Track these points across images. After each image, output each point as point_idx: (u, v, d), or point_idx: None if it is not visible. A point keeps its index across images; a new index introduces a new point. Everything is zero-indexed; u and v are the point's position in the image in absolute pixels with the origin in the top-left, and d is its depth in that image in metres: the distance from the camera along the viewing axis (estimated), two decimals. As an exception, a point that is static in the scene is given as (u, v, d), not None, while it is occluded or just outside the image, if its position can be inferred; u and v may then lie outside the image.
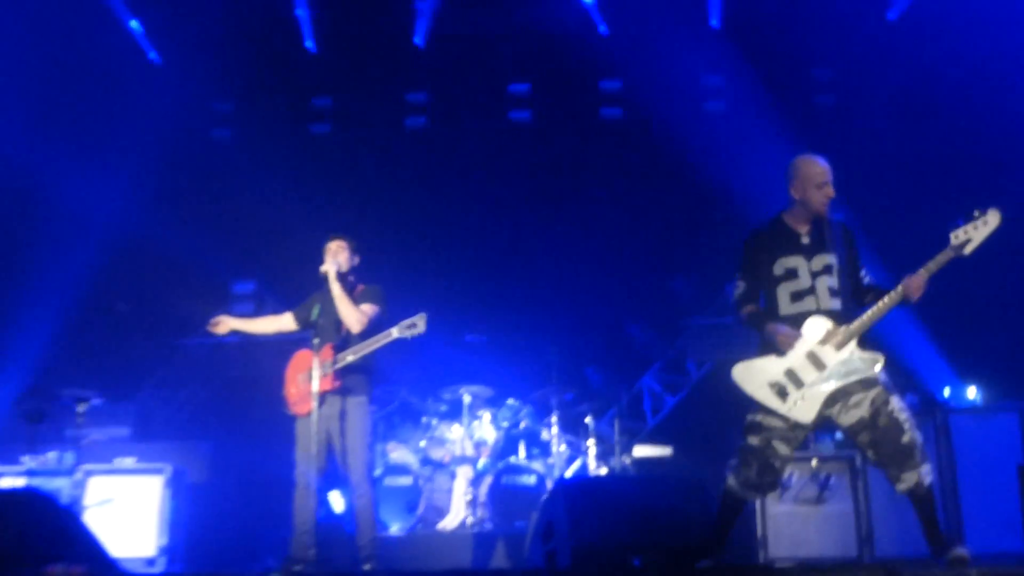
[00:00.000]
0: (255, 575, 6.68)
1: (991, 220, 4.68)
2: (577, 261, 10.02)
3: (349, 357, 5.95)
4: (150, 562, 6.96)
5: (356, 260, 6.36)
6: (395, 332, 5.89)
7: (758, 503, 6.89)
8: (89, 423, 6.90)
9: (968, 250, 4.70)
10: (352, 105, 10.56)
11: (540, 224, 10.14)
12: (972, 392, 7.37)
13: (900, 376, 8.38)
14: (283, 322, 6.53)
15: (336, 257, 6.23)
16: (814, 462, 6.95)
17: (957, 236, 4.71)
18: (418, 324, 5.87)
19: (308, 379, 5.99)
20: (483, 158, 10.35)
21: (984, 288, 8.68)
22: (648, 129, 10.07)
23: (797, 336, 4.77)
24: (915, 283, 4.68)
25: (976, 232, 4.67)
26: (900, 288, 4.70)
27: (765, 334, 4.84)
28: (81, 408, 6.76)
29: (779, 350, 4.79)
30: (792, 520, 6.88)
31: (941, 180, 9.10)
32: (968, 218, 4.71)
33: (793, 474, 6.90)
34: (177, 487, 7.31)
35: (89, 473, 7.18)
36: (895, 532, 6.76)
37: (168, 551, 7.06)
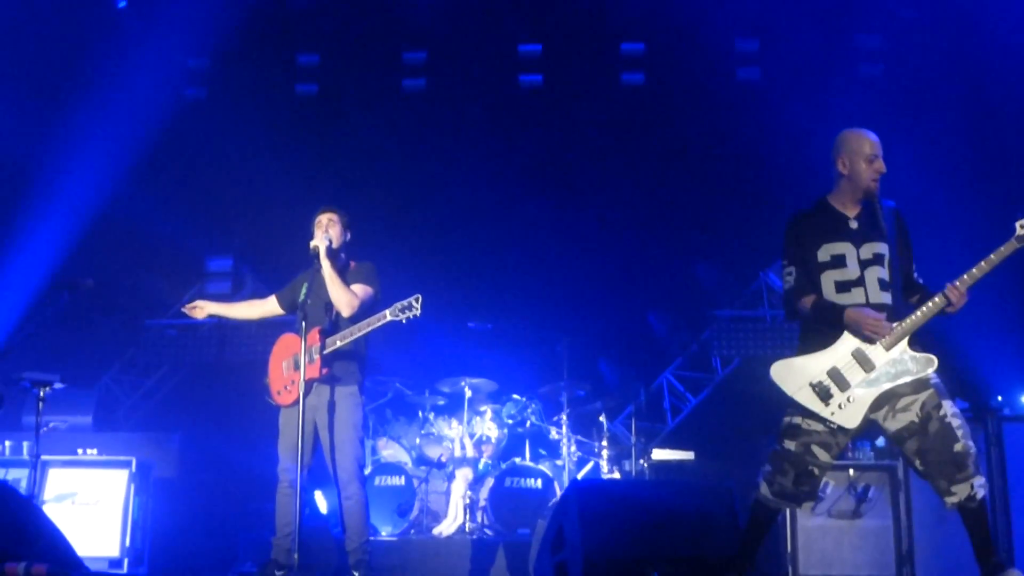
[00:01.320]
0: (231, 581, 6.74)
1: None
2: (592, 243, 10.05)
3: (339, 342, 5.98)
4: (115, 563, 7.03)
5: (348, 236, 6.38)
6: (389, 314, 5.90)
7: (788, 515, 6.96)
8: (49, 410, 6.94)
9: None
10: (343, 63, 10.53)
11: (552, 201, 10.15)
12: (1028, 399, 7.44)
13: (950, 380, 8.52)
14: (267, 306, 6.56)
15: (327, 232, 6.26)
16: (851, 472, 7.02)
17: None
18: (414, 306, 5.88)
19: (293, 366, 6.04)
20: (489, 126, 10.35)
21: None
22: (673, 98, 10.07)
23: (887, 325, 4.76)
24: (955, 293, 4.72)
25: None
26: (939, 297, 4.74)
27: (845, 321, 4.79)
28: (41, 393, 6.80)
29: (833, 344, 4.78)
30: (825, 535, 6.95)
31: (1000, 162, 9.14)
32: None
33: (828, 484, 6.96)
34: (143, 482, 7.38)
35: (48, 464, 7.24)
36: (939, 551, 6.84)
37: (133, 552, 7.13)
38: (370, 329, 5.96)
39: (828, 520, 6.98)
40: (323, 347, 5.99)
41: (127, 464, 7.31)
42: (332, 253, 6.19)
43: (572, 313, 9.53)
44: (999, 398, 7.36)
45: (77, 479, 7.28)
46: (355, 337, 5.98)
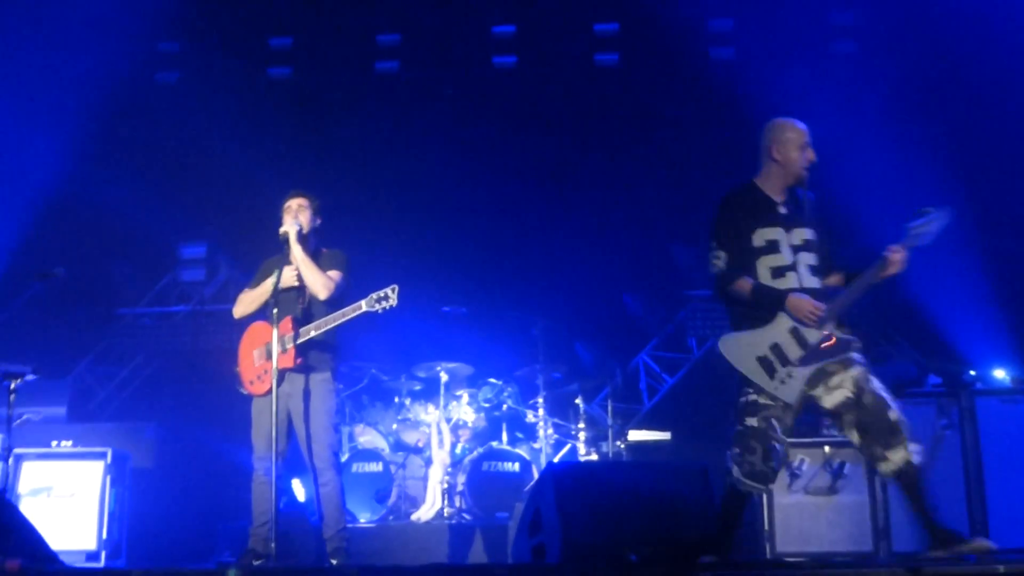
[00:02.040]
0: (209, 571, 6.72)
1: (942, 218, 4.97)
2: (567, 224, 10.05)
3: (312, 331, 5.96)
4: (92, 555, 7.01)
5: (318, 222, 6.33)
6: (364, 305, 5.88)
7: (765, 493, 7.01)
8: (22, 402, 6.88)
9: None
10: (316, 45, 10.49)
11: (525, 183, 10.15)
12: (1001, 373, 7.50)
13: (926, 356, 8.61)
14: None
15: (297, 217, 6.21)
16: (827, 449, 7.07)
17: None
18: (390, 297, 5.87)
19: (265, 354, 6.01)
20: (463, 108, 10.32)
21: (1012, 267, 8.87)
22: (648, 78, 10.08)
23: (824, 310, 4.89)
24: (896, 256, 4.86)
25: (927, 228, 4.95)
26: (879, 262, 4.87)
27: (787, 307, 4.91)
28: (13, 385, 6.75)
29: (769, 323, 4.93)
30: (802, 512, 7.00)
31: (972, 135, 9.20)
32: (921, 215, 4.97)
33: (804, 462, 7.02)
34: (119, 473, 7.36)
35: (22, 457, 7.21)
36: (915, 525, 6.90)
37: (110, 544, 7.11)
38: (344, 320, 5.95)
39: (804, 497, 7.04)
40: (296, 336, 5.97)
41: (102, 455, 7.29)
42: (302, 238, 6.15)
43: (547, 295, 9.53)
44: (972, 373, 7.43)
45: (52, 472, 7.25)
46: (330, 327, 5.97)
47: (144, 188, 9.74)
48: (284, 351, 5.92)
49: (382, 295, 5.84)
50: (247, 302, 6.31)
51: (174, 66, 10.49)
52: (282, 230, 6.13)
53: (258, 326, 6.22)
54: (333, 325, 5.96)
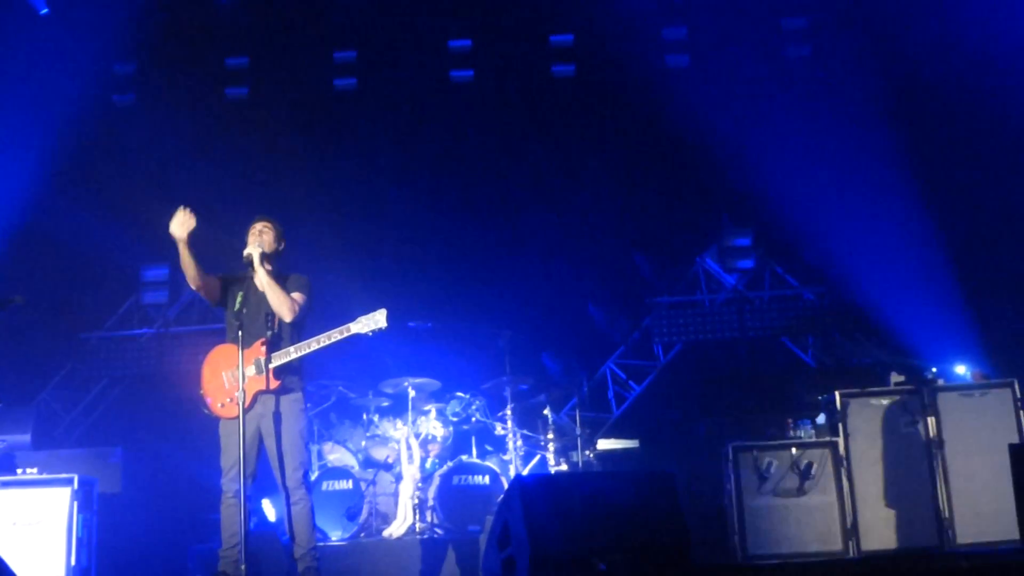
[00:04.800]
0: (180, 594, 6.71)
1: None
2: (530, 235, 10.11)
3: (293, 353, 5.99)
4: (60, 585, 6.96)
5: (281, 245, 6.36)
6: (354, 327, 5.96)
7: (734, 496, 7.09)
8: (-16, 429, 6.86)
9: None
10: (273, 65, 10.48)
11: (487, 196, 10.21)
12: (962, 369, 7.62)
13: (888, 353, 8.74)
14: (211, 284, 6.32)
15: (260, 238, 6.25)
16: (794, 450, 7.16)
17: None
18: (379, 319, 5.95)
19: (233, 377, 6.02)
20: (422, 123, 10.36)
21: (969, 267, 9.03)
22: (605, 88, 10.16)
23: None
24: None
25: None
26: None
27: None
28: (-24, 413, 6.72)
29: None
30: (772, 514, 7.09)
31: (925, 139, 9.34)
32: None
33: (772, 464, 7.10)
34: (86, 499, 7.28)
35: (-14, 486, 7.15)
36: (883, 523, 7.00)
37: (78, 571, 7.05)
38: (330, 342, 5.99)
39: (773, 499, 7.12)
40: (269, 360, 5.97)
41: (69, 481, 7.21)
42: (265, 260, 6.18)
43: (512, 307, 9.58)
44: (934, 370, 7.55)
45: (17, 500, 7.15)
46: (313, 349, 6.00)
47: (104, 212, 9.69)
48: (260, 373, 5.93)
49: (371, 318, 5.93)
50: (204, 276, 6.24)
51: (131, 87, 10.42)
52: (246, 252, 6.15)
53: (224, 349, 6.20)
54: (318, 347, 6.00)
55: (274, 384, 5.98)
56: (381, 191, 10.16)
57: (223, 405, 6.10)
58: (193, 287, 6.31)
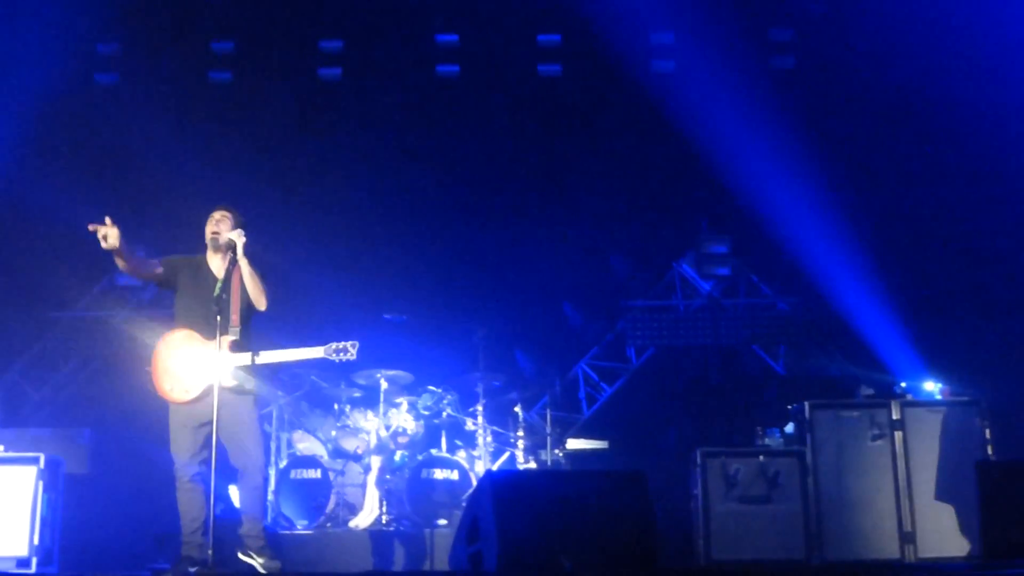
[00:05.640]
0: (143, 578, 6.67)
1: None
2: (508, 232, 10.11)
3: (257, 360, 6.00)
4: (23, 562, 6.91)
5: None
6: (322, 352, 6.02)
7: (701, 501, 7.14)
8: (-48, 407, 6.81)
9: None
10: (258, 51, 10.40)
11: (466, 191, 10.20)
12: (930, 386, 7.70)
13: (857, 366, 8.83)
14: (157, 273, 6.40)
15: (218, 226, 6.23)
16: (761, 458, 7.21)
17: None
18: (349, 351, 6.00)
19: (196, 363, 6.00)
20: (405, 115, 10.33)
21: (939, 285, 9.13)
22: (590, 89, 10.18)
23: None
24: None
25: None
26: None
27: None
28: (-56, 390, 6.67)
29: None
30: (737, 520, 7.14)
31: (904, 154, 9.44)
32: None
33: (739, 470, 7.15)
34: (52, 478, 7.24)
35: (-48, 463, 7.10)
36: (847, 533, 7.08)
37: (41, 550, 7.02)
38: (293, 360, 6.10)
39: (740, 505, 7.17)
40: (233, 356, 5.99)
41: (35, 460, 7.17)
42: (219, 248, 6.18)
43: (488, 304, 9.61)
44: (903, 385, 7.63)
45: (-17, 477, 7.13)
46: (275, 361, 6.06)
47: (80, 191, 9.59)
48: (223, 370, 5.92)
49: (342, 347, 5.99)
50: (144, 268, 6.39)
51: (114, 68, 10.34)
52: (227, 237, 6.11)
53: (185, 333, 6.15)
54: (282, 362, 6.07)
55: (232, 384, 5.99)
56: (360, 182, 10.14)
57: (173, 389, 6.10)
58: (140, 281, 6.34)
